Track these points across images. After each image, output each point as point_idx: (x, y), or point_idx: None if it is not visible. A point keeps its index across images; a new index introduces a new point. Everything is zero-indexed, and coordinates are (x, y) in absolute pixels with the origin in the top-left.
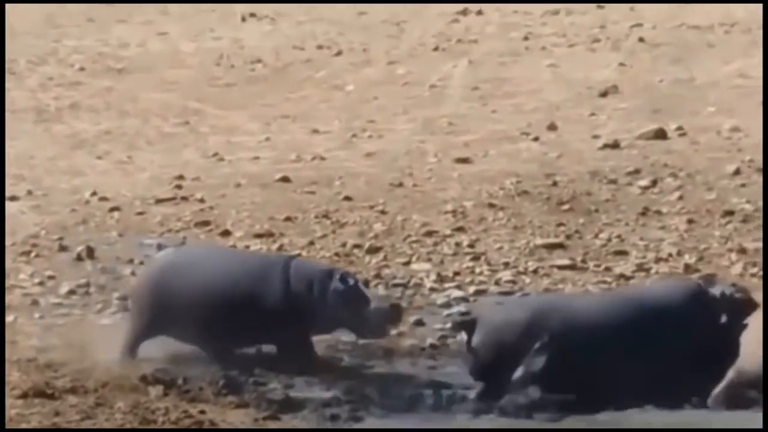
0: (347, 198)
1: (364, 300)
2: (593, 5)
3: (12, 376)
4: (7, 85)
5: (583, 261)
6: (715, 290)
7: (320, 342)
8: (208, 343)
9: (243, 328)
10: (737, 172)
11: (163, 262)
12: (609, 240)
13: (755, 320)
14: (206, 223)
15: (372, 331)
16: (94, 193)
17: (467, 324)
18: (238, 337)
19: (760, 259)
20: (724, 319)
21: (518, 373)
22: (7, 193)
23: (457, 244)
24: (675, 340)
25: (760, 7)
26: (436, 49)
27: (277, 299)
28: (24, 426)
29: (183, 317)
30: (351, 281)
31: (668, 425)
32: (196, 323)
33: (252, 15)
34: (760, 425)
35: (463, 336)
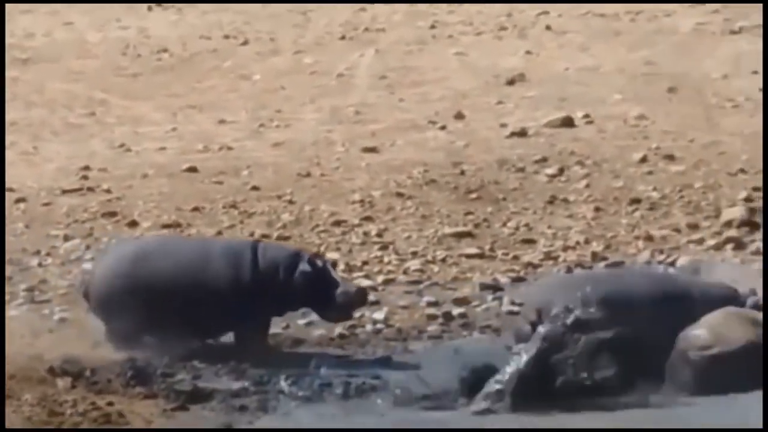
0: (255, 188)
1: (332, 282)
2: None
3: None
4: None
5: (492, 249)
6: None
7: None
8: (178, 333)
9: (214, 314)
10: (644, 159)
11: (126, 253)
12: (517, 228)
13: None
14: (113, 214)
15: (337, 313)
16: None
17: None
18: (209, 324)
19: (666, 245)
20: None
21: None
22: None
23: (365, 234)
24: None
25: None
26: (342, 38)
27: (246, 283)
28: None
29: (154, 309)
30: (319, 263)
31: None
32: (166, 314)
33: (158, 4)
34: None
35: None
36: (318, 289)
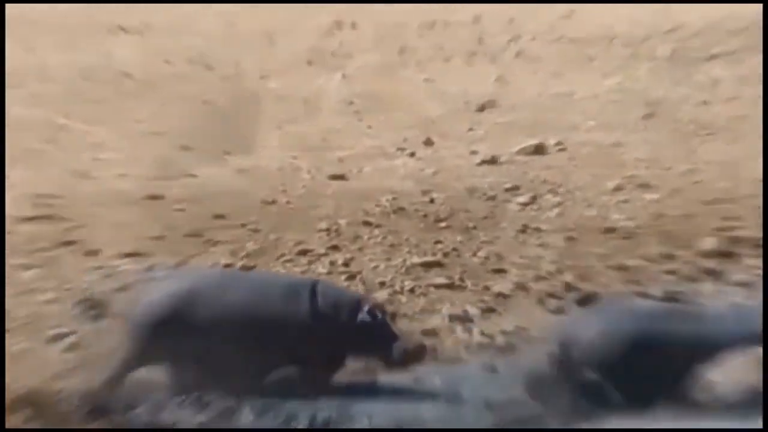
0: (219, 216)
1: (390, 336)
2: (470, 17)
3: None
4: None
5: (461, 279)
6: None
7: None
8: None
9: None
10: (618, 188)
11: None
12: (487, 258)
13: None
14: (73, 242)
15: (393, 366)
16: None
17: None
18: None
19: (640, 276)
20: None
21: None
22: None
23: (332, 263)
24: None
25: (641, 20)
26: (309, 63)
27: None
28: None
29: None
30: (379, 315)
31: None
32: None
33: (121, 28)
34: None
35: None
36: (375, 340)
